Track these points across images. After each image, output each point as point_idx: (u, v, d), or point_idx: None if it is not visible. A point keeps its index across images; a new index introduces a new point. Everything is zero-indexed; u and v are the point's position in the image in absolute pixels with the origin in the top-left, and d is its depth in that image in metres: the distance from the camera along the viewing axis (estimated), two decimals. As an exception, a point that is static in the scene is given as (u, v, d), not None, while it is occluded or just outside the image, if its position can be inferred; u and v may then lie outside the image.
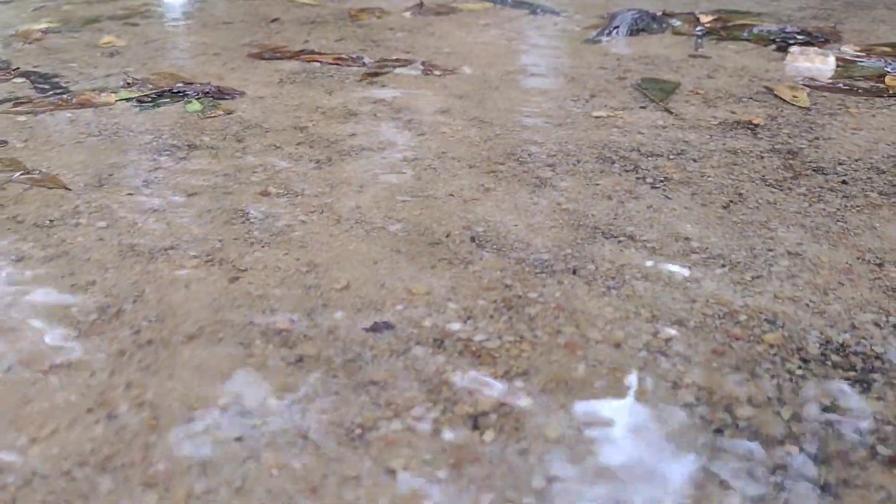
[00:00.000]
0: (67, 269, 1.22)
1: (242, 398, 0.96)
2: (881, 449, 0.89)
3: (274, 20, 2.90)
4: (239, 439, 0.90)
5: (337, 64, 2.32)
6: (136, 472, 0.86)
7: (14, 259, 1.25)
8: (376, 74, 2.22)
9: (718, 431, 0.91)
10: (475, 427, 0.93)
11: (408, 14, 2.98)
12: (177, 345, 1.06)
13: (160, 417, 0.93)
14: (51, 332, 1.08)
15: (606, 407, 0.95)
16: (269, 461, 0.87)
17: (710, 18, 2.83)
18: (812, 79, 2.17)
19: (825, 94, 2.05)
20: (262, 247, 1.30)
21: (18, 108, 1.87)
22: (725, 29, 2.72)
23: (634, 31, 2.67)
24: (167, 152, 1.66)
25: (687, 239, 1.33)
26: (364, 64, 2.32)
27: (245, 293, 1.17)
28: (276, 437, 0.91)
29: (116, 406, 0.95)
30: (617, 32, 2.65)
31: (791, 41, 2.53)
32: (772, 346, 1.06)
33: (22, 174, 1.54)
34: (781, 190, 1.51)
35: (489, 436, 0.91)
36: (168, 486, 0.84)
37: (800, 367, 1.02)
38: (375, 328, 1.10)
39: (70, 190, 1.49)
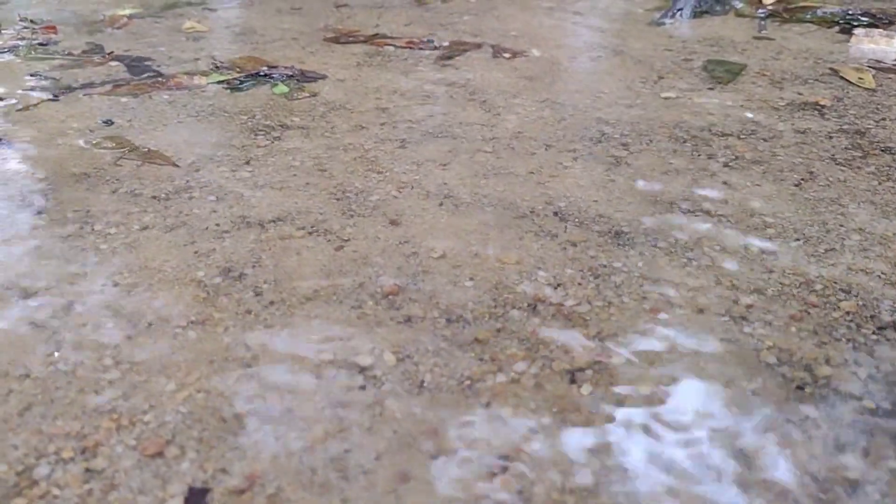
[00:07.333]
0: (189, 238, 1.34)
1: (361, 352, 1.07)
2: (953, 406, 0.97)
3: (342, 5, 3.00)
4: (363, 388, 1.01)
5: (409, 47, 2.41)
6: (276, 412, 0.97)
7: (138, 228, 1.38)
8: (448, 57, 2.31)
9: (799, 388, 1.00)
10: (573, 381, 1.02)
11: (472, -2, 3.05)
12: (296, 305, 1.17)
13: (290, 368, 1.04)
14: (183, 292, 1.20)
15: (694, 362, 1.04)
16: (392, 406, 0.98)
17: (772, 0, 2.86)
18: (877, 60, 2.20)
19: (891, 75, 2.09)
20: (361, 219, 1.40)
21: (119, 91, 2.00)
22: (788, 11, 2.75)
23: (697, 14, 2.72)
24: (262, 132, 1.77)
25: (761, 214, 1.40)
26: (435, 47, 2.41)
27: (351, 260, 1.28)
28: (395, 386, 1.01)
29: (251, 357, 1.06)
30: (680, 15, 2.70)
31: (855, 23, 2.55)
32: (847, 312, 1.13)
33: (131, 151, 1.67)
34: (851, 168, 1.57)
35: (586, 389, 1.01)
36: (308, 425, 0.95)
37: (874, 333, 1.09)
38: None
39: (178, 167, 1.61)
